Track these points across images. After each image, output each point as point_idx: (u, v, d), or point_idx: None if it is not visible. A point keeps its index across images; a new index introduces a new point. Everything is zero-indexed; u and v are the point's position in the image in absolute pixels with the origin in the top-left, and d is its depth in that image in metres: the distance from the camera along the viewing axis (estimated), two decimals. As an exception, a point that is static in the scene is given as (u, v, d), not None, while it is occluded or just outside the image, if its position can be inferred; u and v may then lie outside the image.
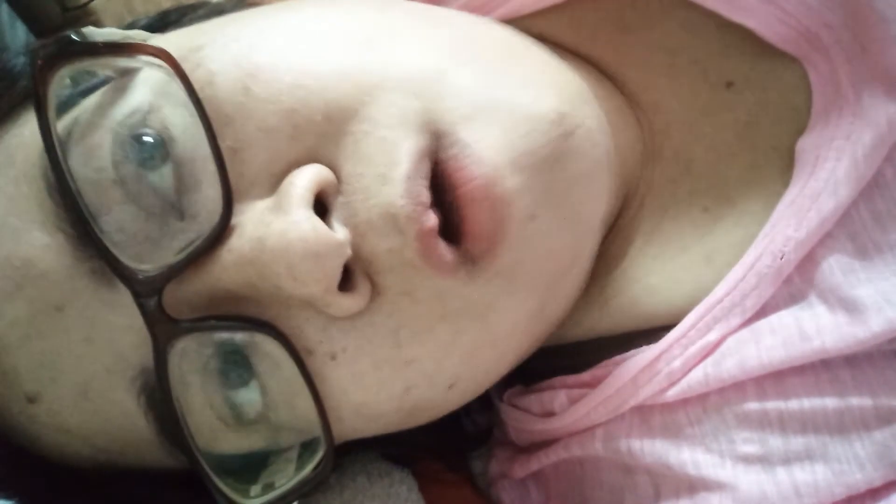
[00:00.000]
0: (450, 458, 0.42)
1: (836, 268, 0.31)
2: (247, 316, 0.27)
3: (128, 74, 0.27)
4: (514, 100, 0.27)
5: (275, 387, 0.28)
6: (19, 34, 0.42)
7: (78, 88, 0.28)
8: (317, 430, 0.28)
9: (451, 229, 0.26)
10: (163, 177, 0.26)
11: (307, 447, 0.29)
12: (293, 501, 0.28)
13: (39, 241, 0.27)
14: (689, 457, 0.32)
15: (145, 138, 0.26)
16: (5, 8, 0.41)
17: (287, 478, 0.28)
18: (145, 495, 0.31)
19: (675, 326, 0.33)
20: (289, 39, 0.28)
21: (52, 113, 0.25)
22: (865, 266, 0.30)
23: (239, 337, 0.27)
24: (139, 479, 0.30)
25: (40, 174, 0.27)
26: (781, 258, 0.31)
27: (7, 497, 0.27)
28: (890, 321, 0.29)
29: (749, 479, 0.31)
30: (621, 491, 0.35)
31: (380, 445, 0.35)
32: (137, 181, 0.26)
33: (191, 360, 0.27)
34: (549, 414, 0.37)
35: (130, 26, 0.36)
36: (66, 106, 0.27)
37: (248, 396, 0.28)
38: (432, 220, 0.26)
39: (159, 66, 0.26)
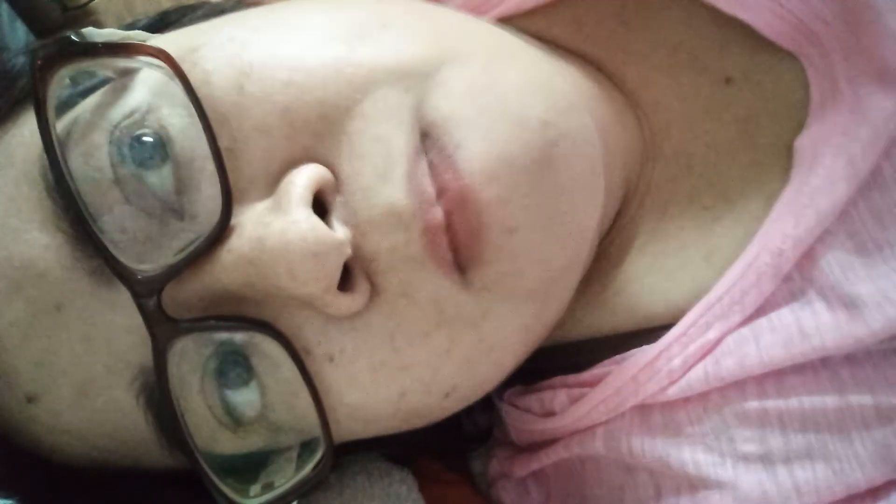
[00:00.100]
0: (450, 458, 0.42)
1: (835, 265, 0.31)
2: (246, 316, 0.27)
3: (127, 75, 0.27)
4: (498, 106, 0.27)
5: (274, 387, 0.28)
6: (19, 34, 0.42)
7: (77, 89, 0.28)
8: (316, 430, 0.28)
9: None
10: (162, 177, 0.26)
11: (306, 447, 0.29)
12: (293, 501, 0.28)
13: (39, 242, 0.27)
14: (689, 456, 0.32)
15: (144, 139, 0.26)
16: (5, 7, 0.42)
17: (286, 477, 0.28)
18: (145, 495, 0.31)
19: (675, 325, 0.33)
20: (282, 37, 0.28)
21: (51, 113, 0.25)
22: (865, 263, 0.30)
23: (238, 337, 0.27)
24: (139, 479, 0.30)
25: (40, 174, 0.27)
26: (780, 255, 0.31)
27: (6, 497, 0.27)
28: (889, 318, 0.29)
29: (749, 478, 0.31)
30: (622, 490, 0.35)
31: (380, 445, 0.35)
32: (136, 181, 0.26)
33: (190, 360, 0.27)
34: (550, 413, 0.37)
35: (130, 27, 0.36)
36: (65, 106, 0.27)
37: (248, 396, 0.28)
38: (439, 214, 0.26)
39: (158, 66, 0.27)
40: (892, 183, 0.31)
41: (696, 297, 0.33)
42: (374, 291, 0.27)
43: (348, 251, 0.26)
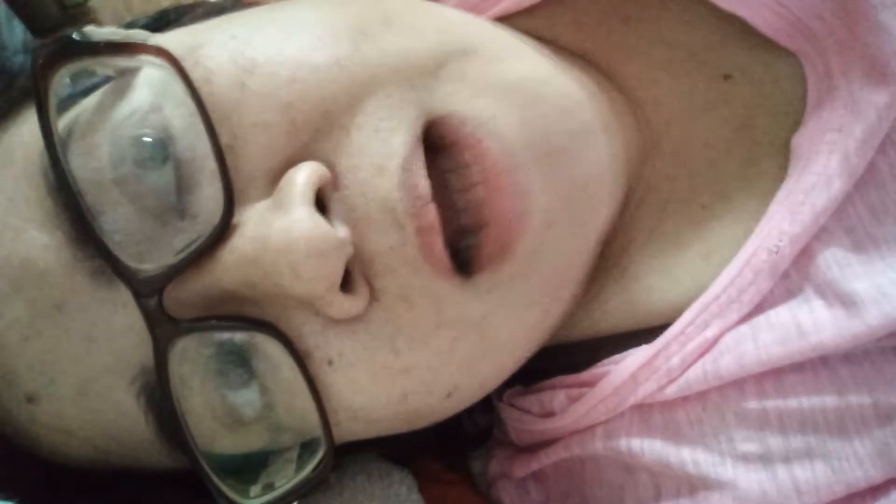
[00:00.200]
0: (450, 458, 0.42)
1: (832, 262, 0.31)
2: (248, 316, 0.27)
3: (128, 74, 0.27)
4: (516, 92, 0.27)
5: (274, 387, 0.28)
6: (17, 32, 0.41)
7: (78, 88, 0.28)
8: (316, 430, 0.28)
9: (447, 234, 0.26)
10: (163, 176, 0.26)
11: (307, 447, 0.29)
12: (293, 501, 0.28)
13: (39, 241, 0.26)
14: (689, 456, 0.32)
15: (146, 138, 0.26)
16: (3, 6, 0.41)
17: (287, 478, 0.28)
18: (145, 496, 0.30)
19: (673, 324, 0.33)
20: (285, 34, 0.28)
21: (52, 112, 0.25)
22: (862, 260, 0.30)
23: (239, 337, 0.27)
24: (139, 480, 0.30)
25: (40, 173, 0.27)
26: (776, 253, 0.31)
27: (7, 497, 0.27)
28: (887, 315, 0.29)
29: (749, 478, 0.31)
30: (622, 490, 0.35)
31: (380, 445, 0.35)
32: (138, 181, 0.26)
33: (191, 360, 0.27)
34: (549, 414, 0.37)
35: (130, 26, 0.36)
36: (66, 105, 0.27)
37: (248, 397, 0.28)
38: (433, 214, 0.26)
39: (160, 65, 0.26)
40: (889, 179, 0.31)
41: (695, 296, 0.33)
42: (373, 296, 0.27)
43: (350, 250, 0.26)
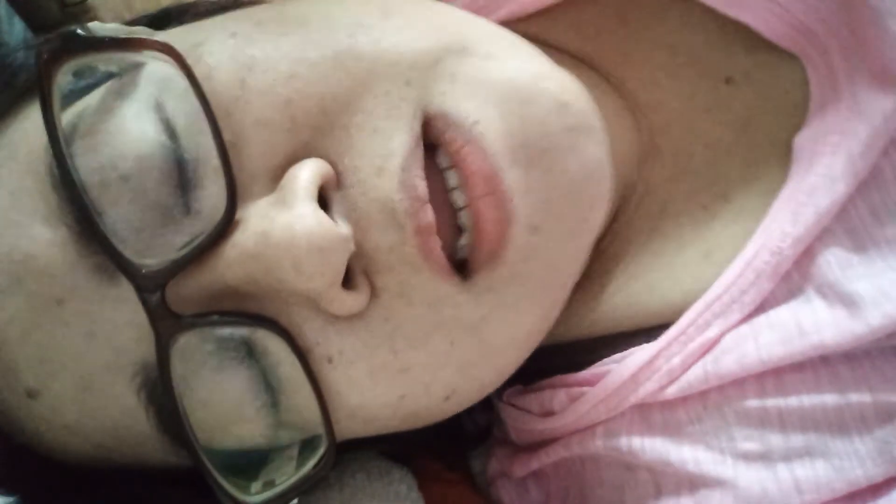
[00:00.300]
0: (449, 457, 0.42)
1: (833, 263, 0.31)
2: (250, 312, 0.27)
3: (131, 70, 0.27)
4: (512, 84, 0.27)
5: (276, 384, 0.28)
6: (17, 30, 0.41)
7: (81, 83, 0.28)
8: (317, 428, 0.28)
9: (443, 231, 0.26)
10: (166, 172, 0.26)
11: (307, 445, 0.29)
12: (293, 499, 0.28)
13: (42, 236, 0.26)
14: (689, 454, 0.32)
15: (149, 134, 0.26)
16: (3, 4, 0.41)
17: (287, 475, 0.28)
18: (146, 493, 0.30)
19: (674, 324, 0.33)
20: (285, 31, 0.28)
21: (56, 107, 0.25)
22: (863, 261, 0.30)
23: (241, 333, 0.27)
24: (140, 477, 0.30)
25: (44, 169, 0.27)
26: (779, 253, 0.31)
27: (7, 494, 0.27)
28: (888, 316, 0.29)
29: (750, 476, 0.31)
30: (622, 489, 0.35)
31: (379, 443, 0.35)
32: (141, 176, 0.26)
33: (193, 356, 0.27)
34: (549, 413, 0.37)
35: (132, 23, 0.36)
36: (69, 100, 0.27)
37: (250, 393, 0.28)
38: (430, 215, 0.26)
39: (163, 61, 0.26)
40: (891, 181, 0.31)
41: (696, 296, 0.33)
42: (374, 293, 0.27)
43: (352, 246, 0.26)
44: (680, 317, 0.33)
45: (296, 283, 0.25)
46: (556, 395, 0.36)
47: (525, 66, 0.29)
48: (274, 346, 0.27)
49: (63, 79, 0.26)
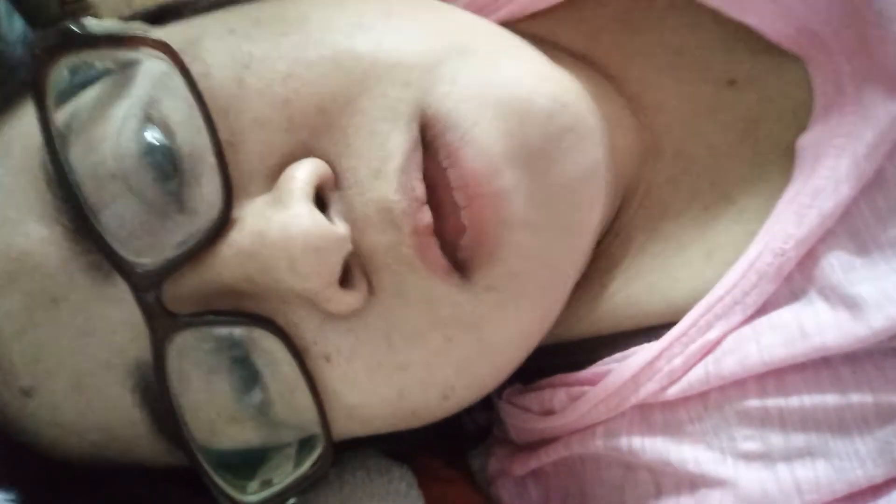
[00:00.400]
0: (450, 456, 0.42)
1: (836, 265, 0.31)
2: (246, 311, 0.27)
3: (128, 67, 0.27)
4: (504, 95, 0.27)
5: (273, 383, 0.28)
6: (17, 27, 0.41)
7: (76, 80, 0.28)
8: (314, 427, 0.28)
9: (447, 229, 0.26)
10: (162, 170, 0.26)
11: (305, 444, 0.29)
12: (291, 498, 0.28)
13: (37, 234, 0.26)
14: (690, 454, 0.32)
15: (144, 132, 0.26)
16: (3, 1, 0.41)
17: (285, 474, 0.28)
18: (143, 492, 0.30)
19: (676, 324, 0.33)
20: (283, 29, 0.28)
21: (50, 104, 0.25)
22: (866, 264, 0.30)
23: (237, 332, 0.27)
24: (137, 476, 0.30)
25: (39, 166, 0.27)
26: (782, 255, 0.31)
27: (5, 490, 0.27)
28: (890, 318, 0.29)
29: (750, 476, 0.31)
30: (622, 488, 0.35)
31: (379, 442, 0.35)
32: (137, 174, 0.26)
33: (189, 354, 0.27)
34: (550, 412, 0.37)
35: (130, 19, 0.35)
36: (64, 97, 0.27)
37: (246, 392, 0.28)
38: (427, 216, 0.26)
39: (159, 58, 0.26)
40: (895, 184, 0.31)
41: (697, 297, 0.33)
42: (371, 291, 0.27)
43: (349, 246, 0.26)
44: (681, 317, 0.33)
45: (292, 283, 0.25)
46: (557, 394, 0.36)
47: (525, 68, 0.29)
48: (270, 346, 0.27)
49: (58, 76, 0.26)
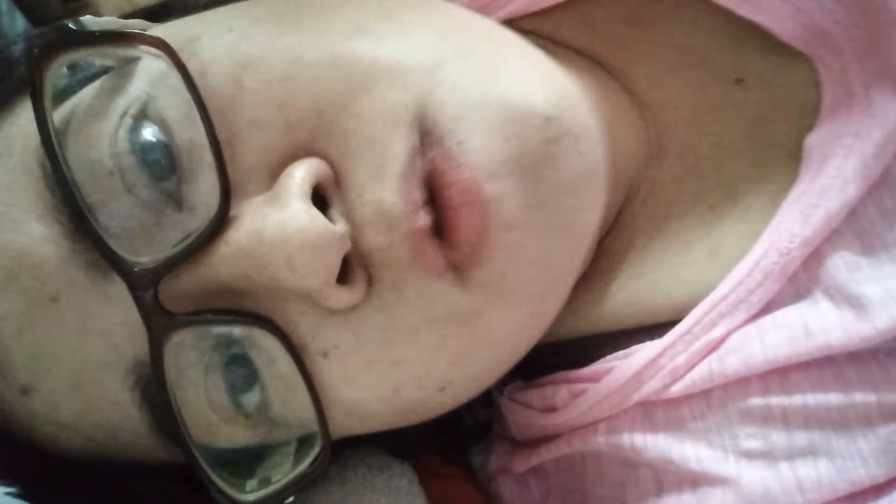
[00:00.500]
0: (450, 452, 0.42)
1: (841, 265, 0.30)
2: (244, 310, 0.27)
3: (126, 64, 0.27)
4: (501, 102, 0.27)
5: (271, 381, 0.28)
6: (18, 24, 0.41)
7: (75, 78, 0.28)
8: (313, 425, 0.28)
9: (442, 232, 0.26)
10: (160, 168, 0.26)
11: (304, 442, 0.29)
12: (289, 497, 0.28)
13: (36, 233, 0.26)
14: (692, 452, 0.32)
15: (143, 129, 0.26)
16: (4, -2, 0.41)
17: (284, 473, 0.28)
18: (142, 490, 0.30)
19: (680, 322, 0.33)
20: (282, 29, 0.27)
21: (48, 102, 0.25)
22: (872, 263, 0.30)
23: (235, 331, 0.27)
24: (136, 474, 0.30)
25: (38, 164, 0.27)
26: (787, 254, 0.31)
27: (8, 485, 0.27)
28: (895, 318, 0.28)
29: (752, 475, 0.31)
30: (623, 485, 0.35)
31: (380, 439, 0.35)
32: (135, 172, 0.26)
33: (187, 353, 0.27)
34: (551, 409, 0.37)
35: (130, 16, 0.35)
36: (63, 95, 0.27)
37: (244, 391, 0.28)
38: (423, 219, 0.26)
39: (157, 56, 0.26)
40: None
41: (701, 295, 0.33)
42: (370, 284, 0.27)
43: (348, 244, 0.26)
44: (684, 316, 0.33)
45: (288, 281, 0.25)
46: (559, 390, 0.36)
47: (524, 72, 0.28)
48: (268, 344, 0.27)
49: (56, 73, 0.26)
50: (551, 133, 0.26)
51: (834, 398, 0.30)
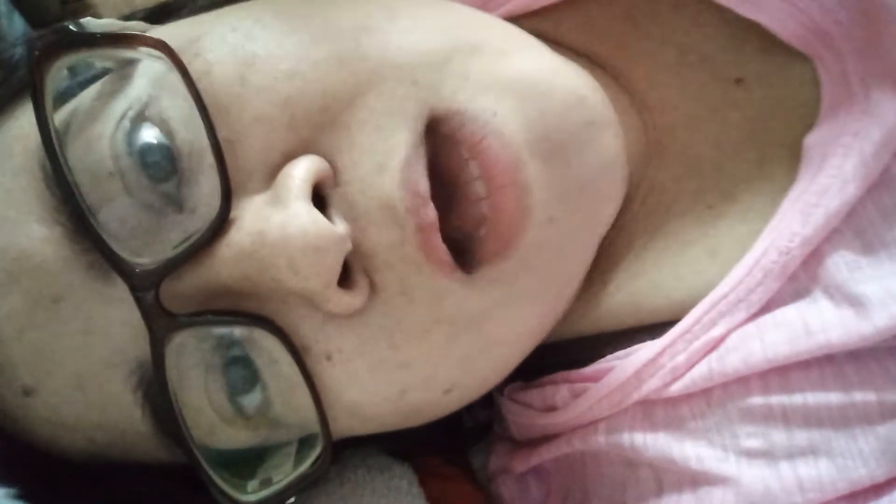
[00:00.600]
0: (450, 453, 0.42)
1: (841, 264, 0.30)
2: (245, 311, 0.27)
3: (126, 66, 0.27)
4: (526, 78, 0.27)
5: (272, 382, 0.28)
6: (17, 26, 0.41)
7: (76, 80, 0.28)
8: (314, 426, 0.28)
9: (450, 224, 0.26)
10: (161, 169, 0.26)
11: (305, 443, 0.29)
12: (291, 497, 0.28)
13: (37, 234, 0.26)
14: (692, 451, 0.32)
15: (144, 130, 0.26)
16: (3, 0, 0.41)
17: (285, 473, 0.28)
18: (143, 490, 0.30)
19: (679, 321, 0.33)
20: (287, 27, 0.28)
21: (49, 104, 0.25)
22: (871, 262, 0.30)
23: (237, 332, 0.27)
24: (138, 474, 0.30)
25: (39, 166, 0.27)
26: (787, 254, 0.31)
27: (8, 486, 0.27)
28: (894, 317, 0.29)
29: (752, 474, 0.31)
30: (623, 485, 0.35)
31: (380, 440, 0.35)
32: (136, 173, 0.26)
33: (188, 354, 0.27)
34: (552, 408, 0.37)
35: (130, 18, 0.36)
36: (64, 97, 0.27)
37: (246, 392, 0.28)
38: (432, 213, 0.26)
39: (158, 57, 0.26)
40: None
41: (700, 294, 0.33)
42: (373, 290, 0.27)
43: (349, 245, 0.26)
44: (684, 315, 0.33)
45: (291, 283, 0.25)
46: (559, 390, 0.36)
47: (539, 60, 0.28)
48: (270, 345, 0.27)
49: (57, 75, 0.26)
50: (576, 119, 0.27)
51: (834, 397, 0.30)
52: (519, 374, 0.35)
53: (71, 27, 0.26)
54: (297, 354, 0.27)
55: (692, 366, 0.32)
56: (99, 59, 0.27)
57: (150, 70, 0.27)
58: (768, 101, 0.35)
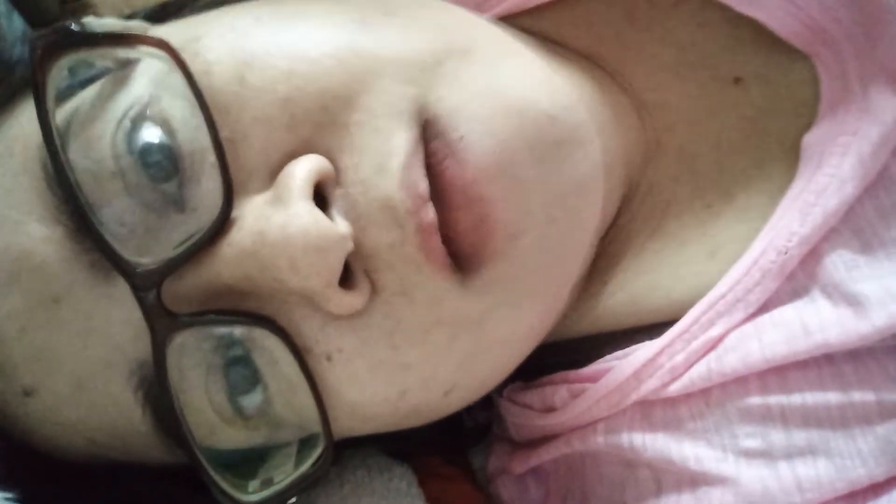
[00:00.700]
0: (450, 453, 0.42)
1: (839, 263, 0.31)
2: (246, 311, 0.27)
3: (127, 65, 0.27)
4: (503, 99, 0.27)
5: (273, 382, 0.28)
6: (16, 26, 0.41)
7: (77, 79, 0.28)
8: (315, 426, 0.28)
9: (447, 227, 0.26)
10: (162, 169, 0.26)
11: (305, 443, 0.29)
12: (292, 497, 0.28)
13: (38, 234, 0.26)
14: (690, 451, 0.32)
15: (145, 130, 0.26)
16: (3, 0, 0.41)
17: (286, 473, 0.28)
18: (144, 491, 0.30)
19: (678, 321, 0.33)
20: (285, 26, 0.28)
21: (50, 103, 0.25)
22: (869, 262, 0.30)
23: (238, 332, 0.27)
24: (138, 475, 0.30)
25: (39, 165, 0.27)
26: (785, 253, 0.31)
27: (6, 490, 0.27)
28: (893, 316, 0.29)
29: (751, 474, 0.31)
30: (622, 485, 0.35)
31: (380, 440, 0.35)
32: (137, 173, 0.26)
33: (189, 354, 0.27)
34: (551, 409, 0.37)
35: (130, 17, 0.35)
36: (65, 96, 0.27)
37: (247, 392, 0.28)
38: (431, 214, 0.26)
39: (159, 56, 0.26)
40: None
41: (699, 294, 0.33)
42: (374, 291, 0.27)
43: (350, 245, 0.26)
44: (682, 315, 0.33)
45: (291, 283, 0.25)
46: (558, 391, 0.36)
47: (524, 72, 0.28)
48: (271, 345, 0.27)
49: (58, 74, 0.26)
50: (554, 134, 0.27)
51: (832, 397, 0.30)
52: (518, 374, 0.35)
53: (72, 26, 0.26)
54: (299, 354, 0.27)
55: (691, 366, 0.32)
56: (100, 58, 0.27)
57: (150, 70, 0.27)
58: (767, 100, 0.35)
